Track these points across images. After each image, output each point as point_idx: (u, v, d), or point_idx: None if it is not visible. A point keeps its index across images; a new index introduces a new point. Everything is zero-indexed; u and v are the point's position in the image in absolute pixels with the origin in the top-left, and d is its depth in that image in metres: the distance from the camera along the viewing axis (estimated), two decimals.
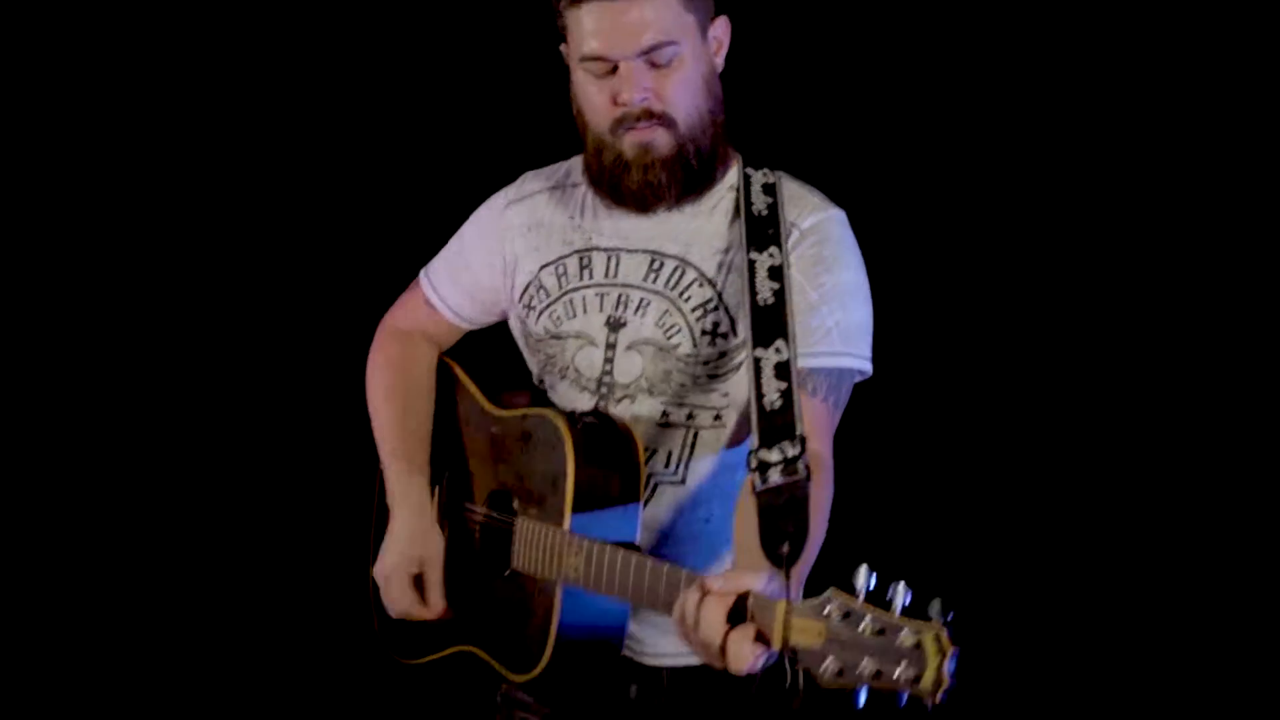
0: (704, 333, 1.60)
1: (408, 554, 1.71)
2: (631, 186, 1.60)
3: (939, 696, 1.11)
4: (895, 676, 1.12)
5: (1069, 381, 2.46)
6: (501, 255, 1.76)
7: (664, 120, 1.57)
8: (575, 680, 1.61)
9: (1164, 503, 2.41)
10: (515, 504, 1.65)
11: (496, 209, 1.78)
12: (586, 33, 1.56)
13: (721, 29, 1.64)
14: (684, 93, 1.57)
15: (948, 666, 1.10)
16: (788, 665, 1.20)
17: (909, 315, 2.28)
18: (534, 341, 1.72)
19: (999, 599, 2.42)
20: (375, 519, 1.87)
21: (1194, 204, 2.37)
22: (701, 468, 1.64)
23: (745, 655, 1.21)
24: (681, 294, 1.62)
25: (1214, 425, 2.39)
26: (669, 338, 1.61)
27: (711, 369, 1.61)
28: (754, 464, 1.38)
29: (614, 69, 1.55)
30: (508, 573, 1.64)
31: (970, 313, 2.48)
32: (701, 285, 1.61)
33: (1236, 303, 2.36)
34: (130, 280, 2.65)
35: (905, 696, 1.12)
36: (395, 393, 1.81)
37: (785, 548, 1.28)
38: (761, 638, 1.22)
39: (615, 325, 1.64)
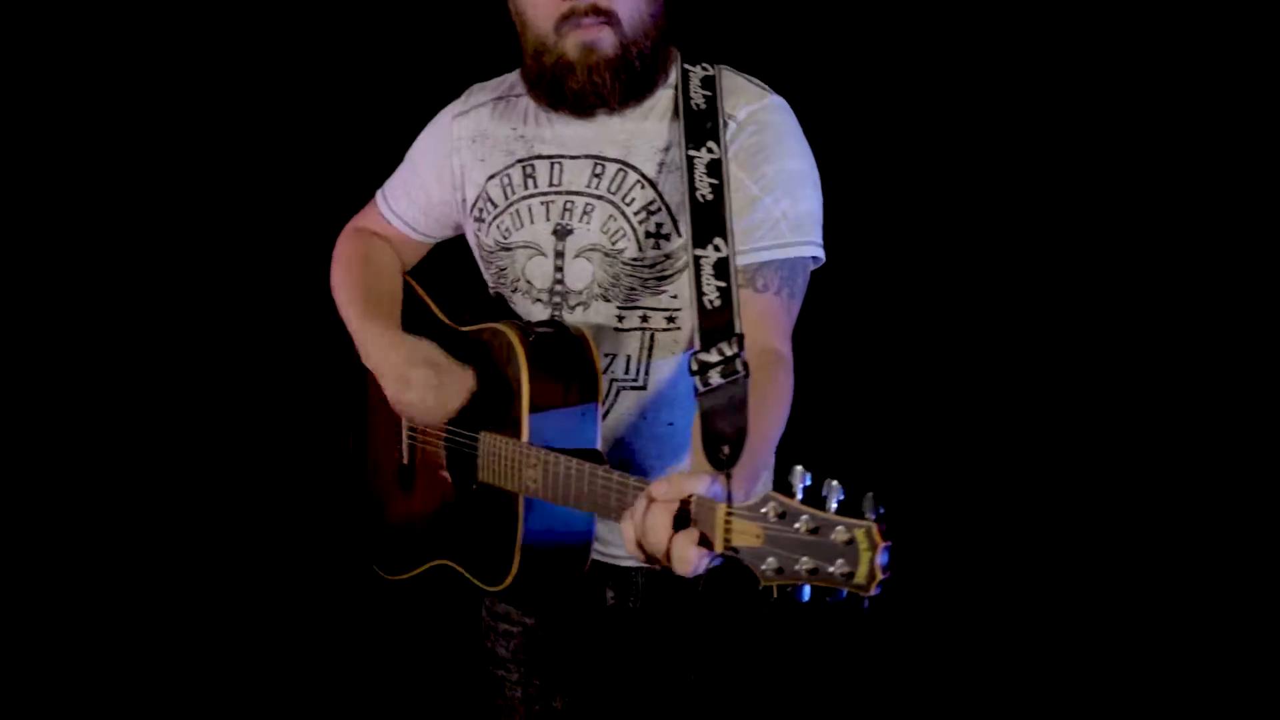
0: (648, 235, 1.58)
1: (412, 356, 1.64)
2: (574, 87, 1.57)
3: (873, 590, 1.12)
4: (831, 572, 1.13)
5: (1055, 357, 2.44)
6: (450, 168, 1.75)
7: (609, 19, 1.54)
8: (547, 588, 1.64)
9: (1152, 487, 2.40)
10: (476, 418, 1.66)
11: (444, 122, 1.77)
12: None
13: None
14: None
15: (880, 560, 1.11)
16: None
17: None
18: (486, 254, 1.71)
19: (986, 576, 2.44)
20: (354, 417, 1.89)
21: (1183, 190, 2.34)
22: (661, 371, 1.64)
23: (689, 558, 1.22)
24: (624, 197, 1.60)
25: (1201, 412, 2.37)
26: (614, 242, 1.60)
27: (658, 271, 1.60)
28: (694, 367, 1.37)
29: None
30: (475, 486, 1.65)
31: (945, 270, 2.46)
32: (643, 187, 1.59)
33: (1222, 294, 2.34)
34: (126, 280, 2.64)
35: (844, 593, 1.14)
36: (356, 268, 1.79)
37: (725, 450, 1.28)
38: (705, 540, 1.23)
39: (562, 233, 1.63)
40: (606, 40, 1.54)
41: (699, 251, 1.46)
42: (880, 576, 1.11)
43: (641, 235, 1.59)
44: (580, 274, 1.62)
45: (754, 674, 1.73)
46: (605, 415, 1.64)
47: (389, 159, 1.88)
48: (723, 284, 1.42)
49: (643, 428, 1.65)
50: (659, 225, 1.58)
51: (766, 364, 1.46)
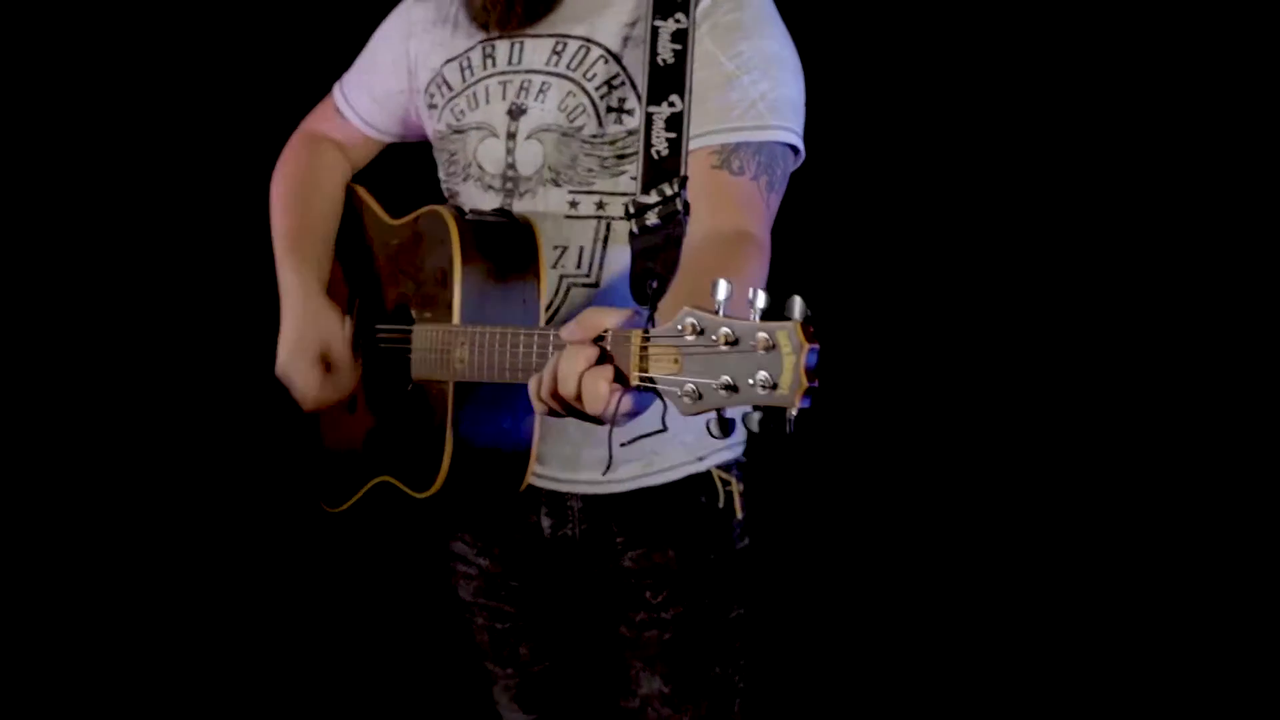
0: (609, 110, 1.47)
1: (305, 336, 1.58)
2: None
3: (799, 400, 0.97)
4: (752, 385, 0.98)
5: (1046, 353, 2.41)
6: (406, 53, 1.65)
7: None
8: (481, 494, 1.50)
9: (1151, 486, 2.36)
10: (413, 312, 1.54)
11: (404, 8, 1.68)
12: None
13: None
14: None
15: (807, 360, 0.96)
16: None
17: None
18: (438, 141, 1.61)
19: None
20: None
21: (1177, 190, 2.32)
22: (615, 265, 1.51)
23: (600, 393, 1.08)
24: (585, 73, 1.49)
25: (1199, 413, 2.34)
26: (572, 120, 1.49)
27: (619, 149, 1.48)
28: (631, 209, 1.25)
29: None
30: (410, 387, 1.53)
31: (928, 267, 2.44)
32: (606, 62, 1.48)
33: (1220, 295, 2.32)
34: (120, 280, 2.60)
35: (758, 418, 0.99)
36: (298, 196, 1.70)
37: (653, 285, 1.15)
38: (621, 377, 1.09)
39: (516, 112, 1.52)
40: None
41: (652, 109, 1.36)
42: (806, 384, 0.96)
43: (603, 110, 1.47)
44: (531, 156, 1.50)
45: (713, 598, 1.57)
46: (554, 314, 1.52)
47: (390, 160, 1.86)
48: (673, 135, 1.32)
49: None
50: (621, 100, 1.47)
51: (738, 244, 1.33)
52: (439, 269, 1.47)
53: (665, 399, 1.06)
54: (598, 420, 1.10)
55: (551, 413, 1.14)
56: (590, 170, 1.49)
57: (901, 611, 2.49)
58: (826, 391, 0.98)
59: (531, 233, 1.47)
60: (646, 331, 1.07)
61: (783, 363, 0.97)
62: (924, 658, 2.49)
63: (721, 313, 1.02)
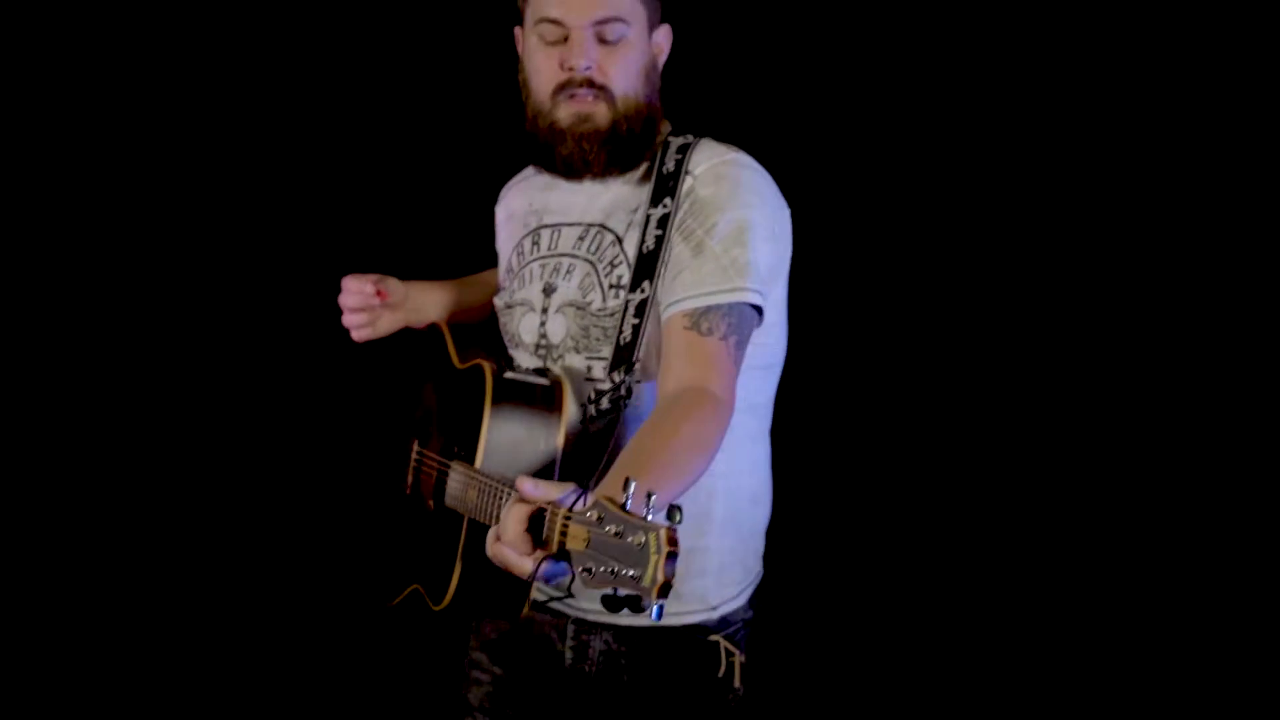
0: (610, 286, 1.69)
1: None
2: (563, 153, 1.71)
3: (656, 597, 1.15)
4: (627, 574, 1.17)
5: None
6: (501, 246, 1.94)
7: (604, 93, 1.68)
8: (488, 611, 1.71)
9: (1150, 486, 2.40)
10: (457, 449, 1.79)
11: (498, 204, 1.98)
12: (549, 0, 1.70)
13: (664, 35, 1.76)
14: (625, 72, 1.68)
15: (666, 567, 1.14)
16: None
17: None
18: (498, 315, 1.87)
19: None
20: None
21: (1170, 191, 2.35)
22: (633, 418, 1.70)
23: (519, 558, 1.29)
24: (599, 255, 1.72)
25: (1198, 413, 2.37)
26: (585, 296, 1.72)
27: (617, 321, 1.68)
28: (591, 395, 1.46)
29: (565, 38, 1.68)
30: (437, 509, 1.77)
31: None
32: (614, 245, 1.71)
33: (1219, 295, 2.34)
34: (123, 284, 2.70)
35: (625, 599, 1.17)
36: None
37: (590, 484, 1.36)
38: (543, 544, 1.30)
39: (549, 290, 1.76)
40: (600, 114, 1.68)
41: (629, 295, 1.58)
42: (663, 582, 1.14)
43: (606, 286, 1.69)
44: (557, 328, 1.74)
45: None
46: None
47: (385, 166, 2.10)
48: (636, 321, 1.52)
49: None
50: (620, 277, 1.69)
51: (692, 402, 1.51)
52: (472, 415, 1.71)
53: (573, 569, 1.26)
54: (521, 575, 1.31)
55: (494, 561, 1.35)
56: (598, 339, 1.70)
57: (900, 612, 2.51)
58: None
59: (560, 388, 1.67)
60: (570, 511, 1.27)
61: (648, 560, 1.15)
62: (924, 659, 2.51)
63: (629, 505, 1.22)
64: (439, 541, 1.77)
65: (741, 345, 1.59)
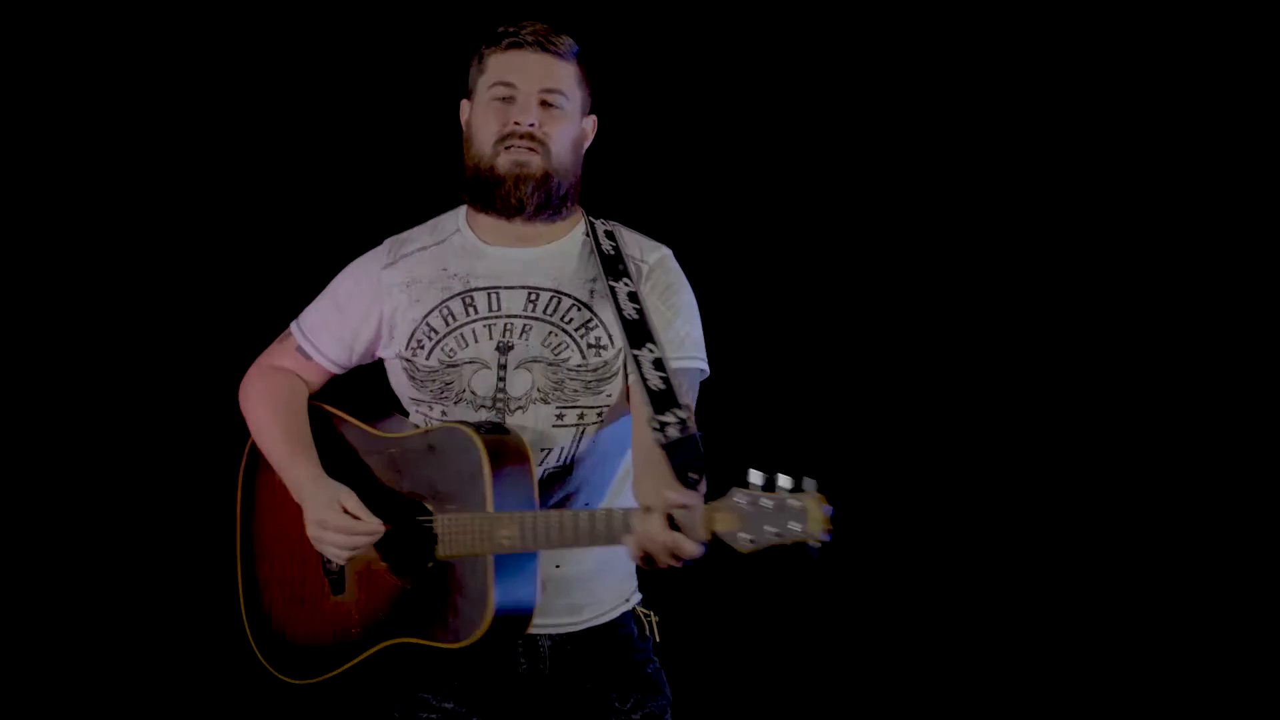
0: (590, 346, 2.07)
1: (327, 499, 2.03)
2: (501, 192, 2.05)
3: (822, 535, 1.68)
4: (792, 528, 1.68)
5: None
6: (379, 311, 2.15)
7: (541, 147, 2.05)
8: (503, 640, 2.02)
9: (1149, 486, 2.60)
10: (430, 506, 2.04)
11: (372, 273, 2.17)
12: (505, 67, 2.07)
13: (591, 124, 2.17)
14: (561, 136, 2.07)
15: (825, 509, 1.68)
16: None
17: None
18: (426, 374, 2.11)
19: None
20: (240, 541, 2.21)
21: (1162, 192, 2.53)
22: (582, 454, 2.09)
23: (690, 549, 1.73)
24: (563, 318, 2.08)
25: (1197, 413, 2.54)
26: (557, 354, 2.06)
27: (600, 374, 2.07)
28: (656, 425, 1.89)
29: (513, 99, 2.05)
30: (431, 564, 2.02)
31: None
32: (580, 309, 2.09)
33: (1218, 296, 2.49)
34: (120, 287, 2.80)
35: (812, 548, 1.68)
36: (284, 408, 2.14)
37: (693, 475, 1.81)
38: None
39: (504, 349, 2.08)
40: (534, 161, 2.05)
41: (636, 351, 1.99)
42: (828, 524, 1.68)
43: (584, 346, 2.07)
44: (520, 382, 2.06)
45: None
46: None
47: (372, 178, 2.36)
48: (662, 374, 1.96)
49: (554, 499, 2.09)
50: (598, 338, 2.07)
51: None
52: (465, 472, 1.98)
53: (726, 542, 1.72)
54: (679, 562, 1.73)
55: (646, 560, 1.75)
56: (576, 390, 2.07)
57: (898, 614, 2.72)
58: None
59: (524, 445, 2.02)
60: (711, 505, 1.73)
61: (809, 513, 1.67)
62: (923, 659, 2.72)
63: (760, 486, 1.71)
64: (438, 590, 2.00)
65: (695, 399, 2.07)
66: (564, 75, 2.09)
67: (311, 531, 2.05)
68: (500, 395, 2.08)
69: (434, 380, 2.12)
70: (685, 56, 2.88)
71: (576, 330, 2.09)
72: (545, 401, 2.07)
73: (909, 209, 2.78)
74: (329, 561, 2.12)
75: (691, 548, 1.72)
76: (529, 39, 2.08)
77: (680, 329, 2.10)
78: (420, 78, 2.92)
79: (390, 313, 2.16)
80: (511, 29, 2.12)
